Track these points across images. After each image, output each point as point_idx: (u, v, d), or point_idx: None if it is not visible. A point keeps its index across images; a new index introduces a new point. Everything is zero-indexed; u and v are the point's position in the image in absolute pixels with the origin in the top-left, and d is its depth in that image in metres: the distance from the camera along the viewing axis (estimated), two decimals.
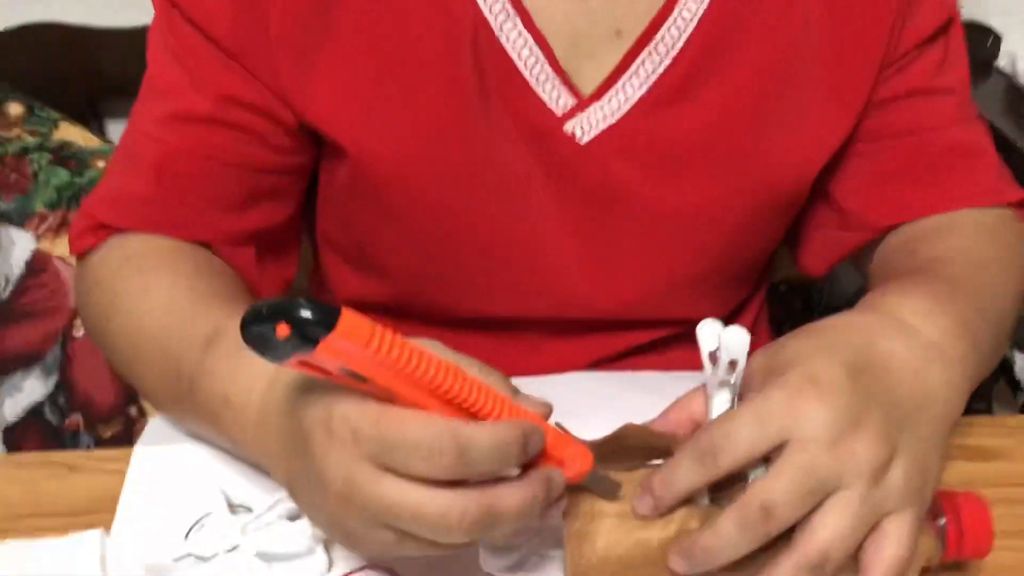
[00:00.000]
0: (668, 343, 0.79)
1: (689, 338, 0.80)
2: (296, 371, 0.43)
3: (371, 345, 0.38)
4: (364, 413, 0.42)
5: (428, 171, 0.66)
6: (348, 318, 0.38)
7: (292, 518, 0.55)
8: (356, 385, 0.41)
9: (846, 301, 1.27)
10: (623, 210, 0.69)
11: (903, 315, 0.53)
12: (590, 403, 0.68)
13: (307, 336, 0.37)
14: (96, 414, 0.98)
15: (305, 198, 0.75)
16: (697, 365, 0.78)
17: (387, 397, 0.42)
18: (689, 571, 0.48)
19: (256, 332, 0.38)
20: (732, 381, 0.49)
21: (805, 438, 0.45)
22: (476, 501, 0.42)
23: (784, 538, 0.47)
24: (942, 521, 0.53)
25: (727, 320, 0.84)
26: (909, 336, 0.52)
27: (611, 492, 0.49)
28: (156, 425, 0.66)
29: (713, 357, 0.50)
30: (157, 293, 0.63)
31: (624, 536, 0.48)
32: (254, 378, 0.53)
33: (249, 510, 0.58)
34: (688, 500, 0.48)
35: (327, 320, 0.37)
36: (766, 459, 0.47)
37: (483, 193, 0.67)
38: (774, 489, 0.45)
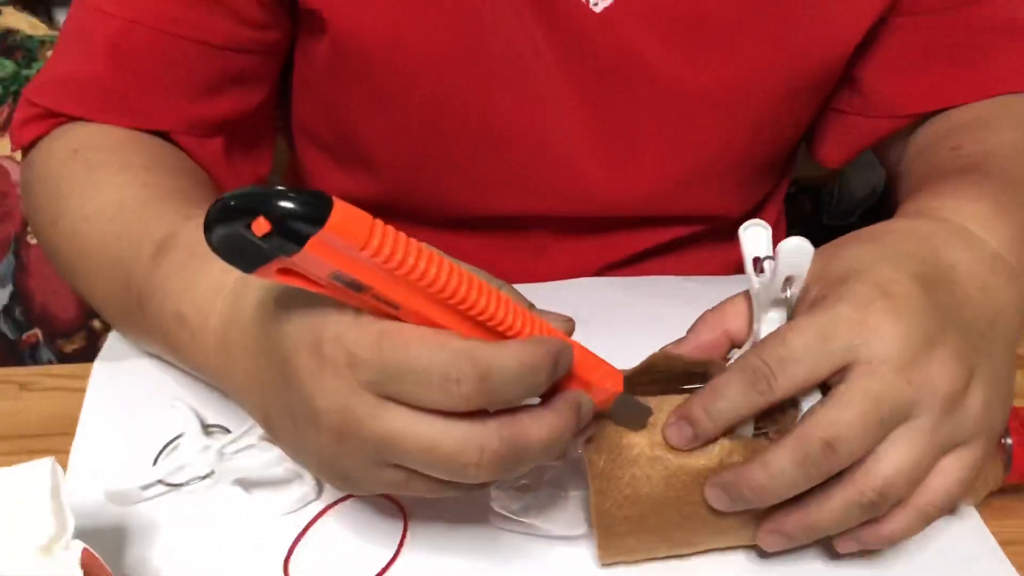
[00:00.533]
0: (686, 244, 0.73)
1: (709, 238, 0.74)
2: (271, 281, 0.35)
3: (371, 243, 0.32)
4: (362, 332, 0.35)
5: (421, 46, 0.58)
6: (342, 210, 0.31)
7: None
8: (349, 297, 0.34)
9: (856, 203, 1.21)
10: (642, 89, 0.61)
11: (963, 221, 0.48)
12: (601, 311, 0.62)
13: (291, 233, 0.30)
14: (55, 328, 0.90)
15: (279, 83, 0.67)
16: (718, 268, 0.73)
17: (387, 311, 0.35)
18: (730, 508, 0.42)
19: (225, 231, 0.31)
20: (788, 298, 0.42)
21: (876, 360, 0.40)
22: (498, 434, 0.35)
23: None
24: (1008, 441, 0.48)
25: (746, 216, 0.77)
26: (973, 246, 0.47)
27: (640, 420, 0.43)
28: (119, 338, 0.59)
29: (758, 265, 0.43)
30: (106, 192, 0.55)
31: (655, 472, 0.42)
32: (213, 291, 0.46)
33: (226, 431, 0.52)
34: (730, 430, 0.42)
35: (316, 212, 0.30)
36: (822, 384, 0.41)
37: (484, 71, 0.59)
38: (840, 421, 0.39)
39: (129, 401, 0.54)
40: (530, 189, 0.65)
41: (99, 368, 0.56)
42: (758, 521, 0.43)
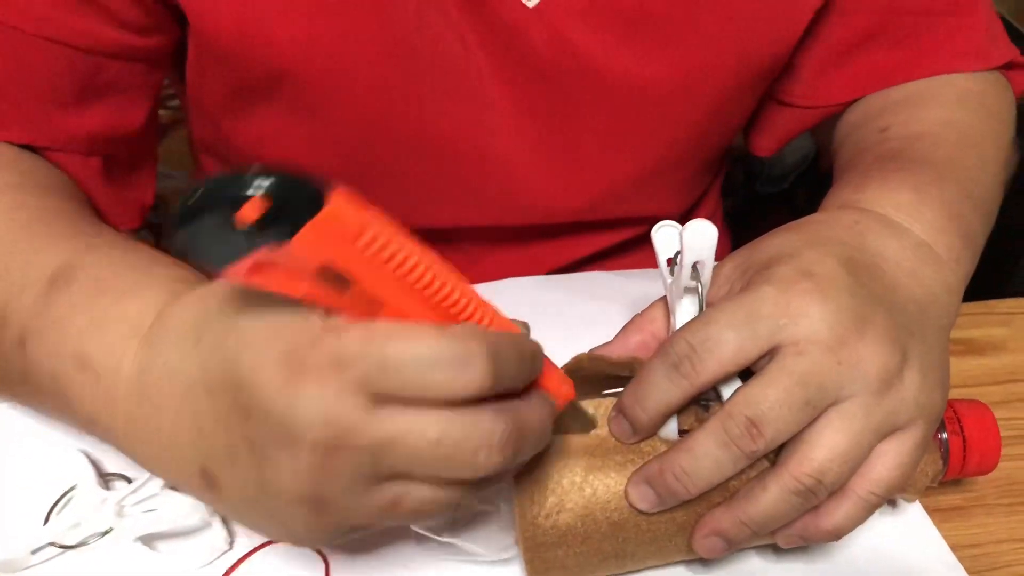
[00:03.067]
0: (629, 247, 0.70)
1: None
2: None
3: (366, 233, 0.29)
4: (344, 331, 0.31)
5: (338, 51, 0.53)
6: (341, 195, 0.28)
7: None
8: (328, 297, 0.30)
9: (788, 169, 1.20)
10: (582, 88, 0.57)
11: (887, 211, 0.47)
12: (535, 312, 0.59)
13: (286, 218, 0.27)
14: None
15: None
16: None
17: (367, 313, 0.31)
18: (657, 504, 0.40)
19: (210, 217, 0.27)
20: (697, 285, 0.41)
21: (802, 340, 0.38)
22: (502, 416, 0.32)
23: (771, 456, 0.40)
24: (943, 435, 0.46)
25: (688, 214, 0.75)
26: (899, 235, 0.45)
27: (585, 427, 0.42)
28: None
29: (672, 263, 0.42)
30: None
31: (582, 479, 0.40)
32: (129, 331, 0.39)
33: (126, 480, 0.47)
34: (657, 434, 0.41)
35: (314, 195, 0.27)
36: (747, 372, 0.39)
37: (410, 74, 0.54)
38: (763, 399, 0.37)
39: (12, 450, 0.49)
40: (468, 198, 0.61)
41: None
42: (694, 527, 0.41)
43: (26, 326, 0.43)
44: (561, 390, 0.38)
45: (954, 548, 0.48)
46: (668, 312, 0.44)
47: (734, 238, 0.87)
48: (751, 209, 1.16)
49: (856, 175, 0.52)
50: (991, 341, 0.60)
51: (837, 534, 0.40)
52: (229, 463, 0.34)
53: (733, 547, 0.41)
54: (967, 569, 0.47)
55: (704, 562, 0.46)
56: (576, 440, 0.41)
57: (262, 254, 0.28)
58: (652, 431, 0.41)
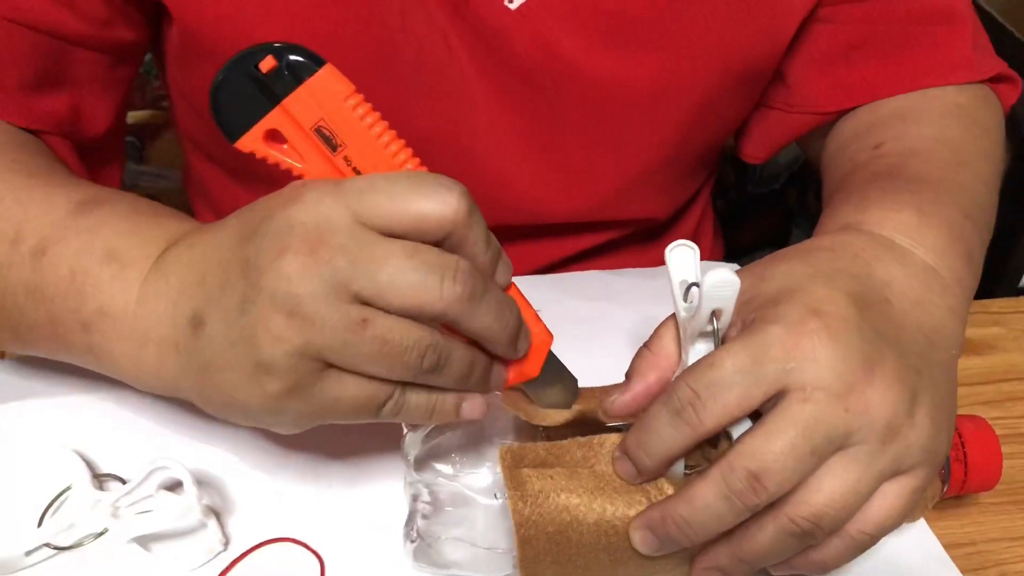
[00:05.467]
0: (613, 247, 0.69)
1: (638, 240, 0.71)
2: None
3: (354, 95, 0.37)
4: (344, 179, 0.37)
5: (319, 48, 0.52)
6: (332, 67, 0.37)
7: (173, 487, 0.44)
8: (323, 158, 0.38)
9: (780, 169, 1.20)
10: (566, 90, 0.57)
11: (890, 234, 0.46)
12: None
13: (295, 69, 0.37)
14: None
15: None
16: (648, 263, 0.70)
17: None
18: (659, 549, 0.39)
19: (236, 72, 0.37)
20: (715, 330, 0.39)
21: (810, 385, 0.36)
22: (468, 263, 0.36)
23: None
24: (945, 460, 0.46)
25: (676, 216, 0.74)
26: (904, 261, 0.44)
27: (566, 395, 0.42)
28: None
29: (685, 289, 0.39)
30: None
31: (584, 518, 0.39)
32: (165, 234, 0.44)
33: (121, 481, 0.47)
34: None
35: (314, 58, 0.37)
36: (755, 411, 0.38)
37: (395, 77, 0.54)
38: (768, 451, 0.36)
39: (7, 451, 0.48)
40: None
41: None
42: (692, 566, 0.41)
43: (47, 236, 0.44)
44: (538, 327, 0.41)
45: (947, 547, 0.48)
46: (679, 343, 0.41)
47: (725, 238, 0.88)
48: (742, 209, 1.17)
49: (855, 194, 0.51)
50: (985, 340, 0.61)
51: (824, 568, 0.40)
52: (219, 297, 0.38)
53: None
54: (960, 568, 0.47)
55: None
56: (573, 481, 0.40)
57: (273, 116, 0.37)
58: (657, 475, 0.40)
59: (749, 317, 0.39)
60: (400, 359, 0.36)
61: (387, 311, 0.35)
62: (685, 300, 0.39)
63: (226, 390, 0.38)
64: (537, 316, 0.41)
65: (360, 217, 0.35)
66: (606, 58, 0.56)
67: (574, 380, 0.43)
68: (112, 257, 0.43)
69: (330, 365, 0.36)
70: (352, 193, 0.35)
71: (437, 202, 0.35)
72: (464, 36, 0.54)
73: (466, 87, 0.56)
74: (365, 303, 0.35)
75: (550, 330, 0.41)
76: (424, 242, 0.36)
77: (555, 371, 0.42)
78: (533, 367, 0.41)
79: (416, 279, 0.35)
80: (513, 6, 0.53)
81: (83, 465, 0.46)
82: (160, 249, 0.43)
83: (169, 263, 0.42)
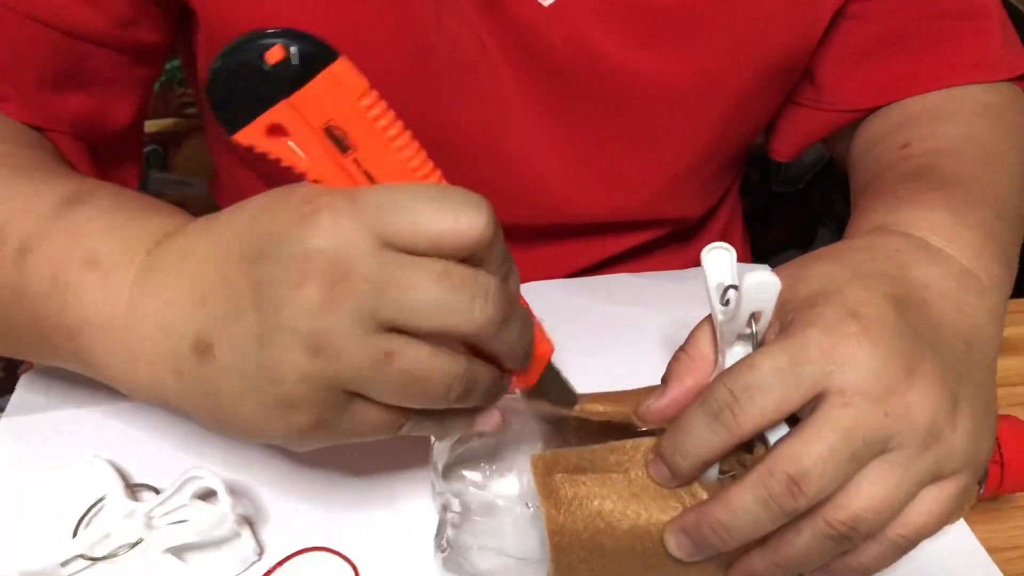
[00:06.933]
0: (648, 249, 0.69)
1: (672, 240, 0.70)
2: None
3: (369, 94, 0.33)
4: (357, 188, 0.34)
5: (354, 47, 0.51)
6: (346, 60, 0.33)
7: (207, 496, 0.44)
8: (332, 159, 0.34)
9: (805, 169, 1.19)
10: (600, 88, 0.56)
11: (925, 235, 0.45)
12: (557, 316, 0.58)
13: (305, 62, 0.32)
14: None
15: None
16: (680, 265, 0.69)
17: (362, 183, 0.34)
18: (694, 554, 0.39)
19: (239, 60, 0.32)
20: (754, 332, 0.39)
21: (849, 389, 0.36)
22: (495, 279, 0.34)
23: None
24: None
25: (709, 215, 0.73)
26: (941, 262, 0.43)
27: (566, 398, 0.41)
28: (26, 389, 0.53)
29: (722, 292, 0.39)
30: None
31: (618, 525, 0.39)
32: (147, 235, 0.41)
33: (154, 490, 0.47)
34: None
35: (328, 50, 0.32)
36: (792, 415, 0.38)
37: (430, 74, 0.54)
38: (806, 455, 0.35)
39: (41, 462, 0.48)
40: (486, 197, 0.60)
41: (4, 426, 0.50)
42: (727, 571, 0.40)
43: (31, 235, 0.42)
44: (540, 335, 0.39)
45: (990, 551, 0.47)
46: (715, 346, 0.41)
47: (751, 238, 0.87)
48: (767, 209, 1.16)
49: (886, 195, 0.51)
50: (1021, 340, 0.59)
51: (863, 573, 0.39)
52: (227, 323, 0.35)
53: None
54: (1005, 573, 0.46)
55: None
56: (606, 487, 0.40)
57: (278, 110, 0.32)
58: (692, 479, 0.39)
59: (787, 319, 0.39)
60: (425, 392, 0.34)
61: (416, 335, 0.34)
62: (722, 303, 0.38)
63: (242, 418, 0.36)
64: (540, 326, 0.39)
65: (382, 238, 0.32)
66: (642, 56, 0.55)
67: (569, 388, 0.42)
68: (93, 262, 0.41)
69: (355, 394, 0.35)
70: (372, 211, 0.32)
71: (464, 222, 0.33)
72: (497, 34, 0.54)
73: (500, 86, 0.55)
74: (393, 329, 0.33)
75: (551, 339, 0.40)
76: (447, 259, 0.33)
77: (551, 379, 0.41)
78: (532, 376, 0.40)
79: (447, 302, 0.33)
80: (546, 3, 0.53)
81: (116, 475, 0.46)
82: (144, 249, 0.40)
83: (158, 273, 0.39)
